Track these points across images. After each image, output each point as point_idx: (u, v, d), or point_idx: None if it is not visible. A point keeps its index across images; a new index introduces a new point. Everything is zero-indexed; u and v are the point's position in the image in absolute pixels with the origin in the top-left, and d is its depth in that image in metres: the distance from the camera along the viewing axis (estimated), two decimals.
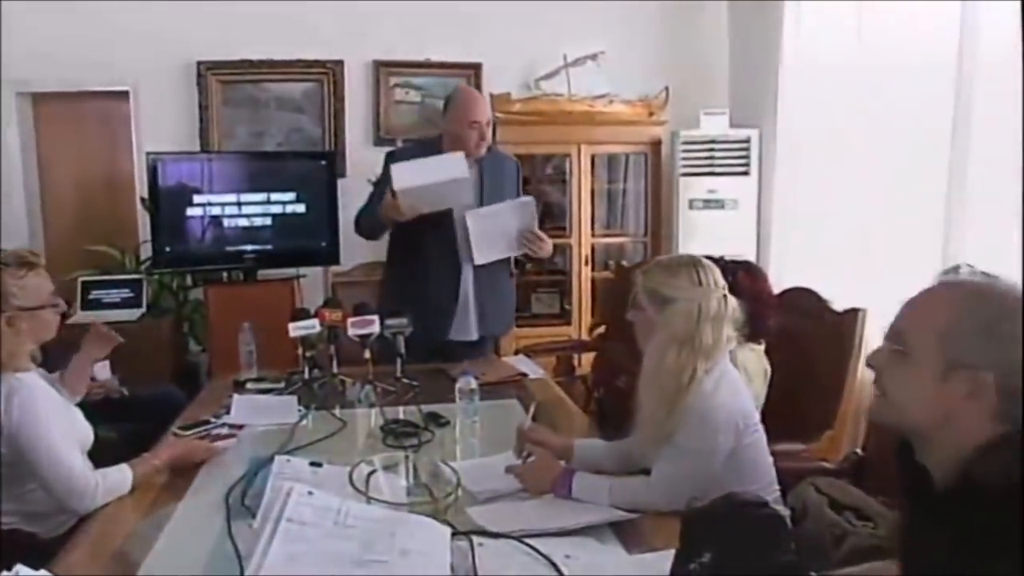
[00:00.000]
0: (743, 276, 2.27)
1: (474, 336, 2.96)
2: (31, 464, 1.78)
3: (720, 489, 1.53)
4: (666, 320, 1.71)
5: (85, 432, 1.98)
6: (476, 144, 2.86)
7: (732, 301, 1.74)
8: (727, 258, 2.33)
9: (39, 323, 1.96)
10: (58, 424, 1.84)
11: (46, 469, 1.77)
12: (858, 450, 2.13)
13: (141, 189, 4.26)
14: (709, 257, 2.33)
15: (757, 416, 1.79)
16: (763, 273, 2.38)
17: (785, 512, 1.69)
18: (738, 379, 1.77)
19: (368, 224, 2.94)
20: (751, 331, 2.24)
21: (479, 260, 2.84)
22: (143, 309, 4.11)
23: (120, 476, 1.81)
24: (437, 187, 2.73)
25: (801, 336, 2.44)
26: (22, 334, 1.90)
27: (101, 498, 1.76)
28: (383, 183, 3.00)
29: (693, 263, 1.77)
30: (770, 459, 1.80)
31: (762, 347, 2.29)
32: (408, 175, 2.74)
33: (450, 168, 2.75)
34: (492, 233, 2.84)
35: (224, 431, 2.17)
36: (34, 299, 1.94)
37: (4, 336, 1.84)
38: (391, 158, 3.03)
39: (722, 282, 1.75)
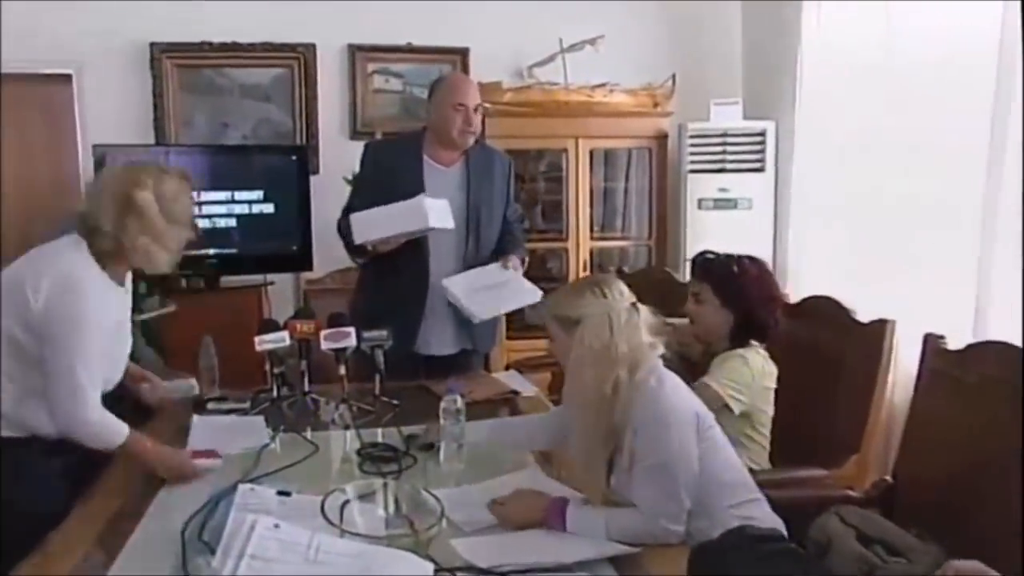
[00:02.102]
0: (750, 266, 2.37)
1: (452, 349, 2.95)
2: (46, 354, 1.88)
3: (704, 498, 1.66)
4: (579, 339, 1.79)
5: (119, 360, 2.09)
6: (460, 131, 2.84)
7: (644, 309, 1.82)
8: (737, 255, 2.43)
9: (176, 242, 2.08)
10: (98, 331, 1.94)
11: (57, 364, 1.87)
12: (888, 477, 2.12)
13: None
14: (711, 252, 2.44)
15: (710, 413, 1.84)
16: (768, 269, 2.46)
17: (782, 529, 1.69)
18: (677, 379, 1.82)
19: (348, 246, 2.92)
20: (757, 331, 2.34)
21: (480, 317, 2.84)
22: None
23: (117, 427, 1.91)
24: (404, 235, 2.74)
25: (822, 350, 2.44)
26: (157, 245, 2.03)
27: (95, 429, 1.89)
28: (362, 179, 3.00)
29: (594, 281, 1.89)
30: (738, 460, 1.86)
31: (762, 347, 2.36)
32: (367, 228, 2.74)
33: (412, 218, 2.71)
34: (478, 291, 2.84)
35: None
36: (181, 216, 2.08)
37: (127, 232, 1.98)
38: (370, 150, 3.03)
39: (628, 293, 1.84)
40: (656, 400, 1.73)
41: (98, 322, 1.96)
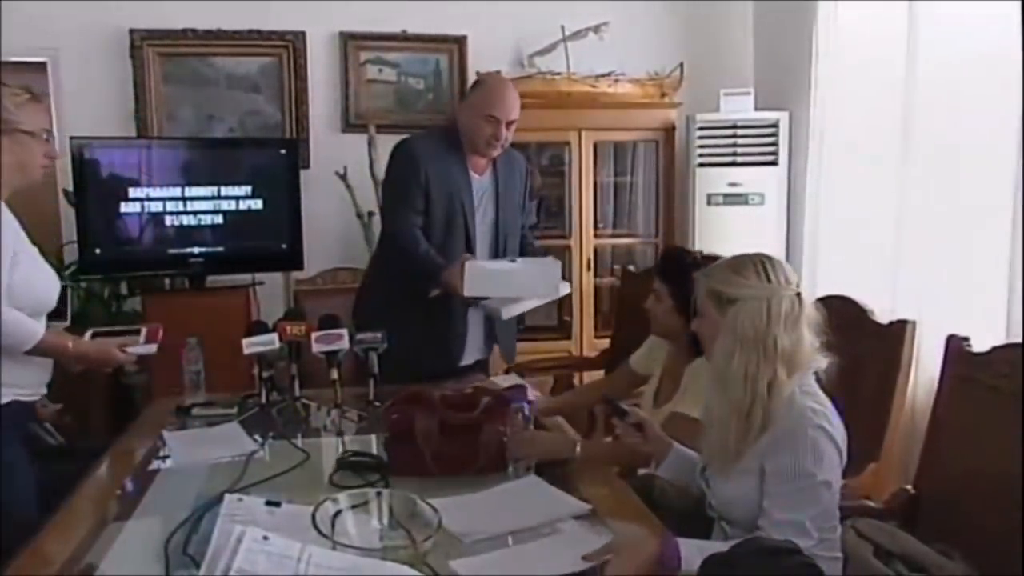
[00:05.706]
0: None
1: (478, 357, 3.00)
2: None
3: None
4: (731, 322, 1.73)
5: (40, 288, 2.06)
6: (487, 142, 2.80)
7: (809, 302, 1.76)
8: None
9: (25, 153, 2.12)
10: None
11: None
12: (908, 487, 2.11)
13: (64, 181, 4.20)
14: (680, 249, 2.34)
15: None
16: None
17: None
18: (828, 404, 1.76)
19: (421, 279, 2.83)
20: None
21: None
22: (67, 322, 4.05)
23: (31, 326, 1.92)
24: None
25: (838, 352, 2.42)
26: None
27: (6, 327, 1.88)
28: (409, 184, 2.82)
29: (760, 259, 1.79)
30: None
31: None
32: (483, 284, 2.68)
33: (544, 288, 2.75)
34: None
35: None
36: (28, 124, 2.10)
37: None
38: (408, 149, 2.87)
39: (795, 279, 1.77)
40: (820, 417, 1.68)
41: None
